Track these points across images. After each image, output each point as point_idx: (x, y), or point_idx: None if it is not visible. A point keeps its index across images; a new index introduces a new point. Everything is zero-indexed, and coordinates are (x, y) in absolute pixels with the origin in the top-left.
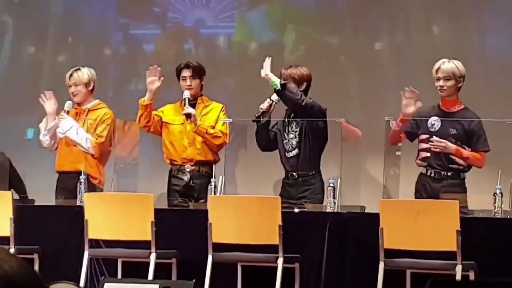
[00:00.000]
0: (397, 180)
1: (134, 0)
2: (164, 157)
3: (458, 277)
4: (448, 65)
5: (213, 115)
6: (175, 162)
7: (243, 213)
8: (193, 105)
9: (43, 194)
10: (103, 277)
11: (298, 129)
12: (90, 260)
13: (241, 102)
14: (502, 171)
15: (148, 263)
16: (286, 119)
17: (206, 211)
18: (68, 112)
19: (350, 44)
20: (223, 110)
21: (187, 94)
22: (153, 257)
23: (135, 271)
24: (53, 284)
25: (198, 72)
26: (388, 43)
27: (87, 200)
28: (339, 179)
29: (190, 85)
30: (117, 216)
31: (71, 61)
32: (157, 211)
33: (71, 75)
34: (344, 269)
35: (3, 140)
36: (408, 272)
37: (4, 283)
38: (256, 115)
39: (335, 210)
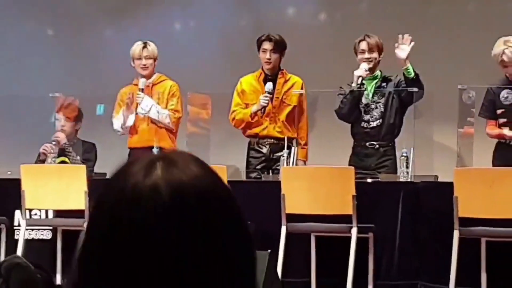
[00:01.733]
0: (471, 148)
1: None
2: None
3: None
4: (511, 51)
5: (296, 89)
6: (255, 136)
7: (316, 184)
8: (273, 80)
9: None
10: None
11: (383, 100)
12: None
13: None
14: None
15: None
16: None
17: (279, 183)
18: (142, 90)
19: (432, 9)
20: (304, 86)
21: (270, 85)
22: None
23: None
24: None
25: (280, 46)
26: (456, 9)
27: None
28: (412, 149)
29: (269, 59)
30: None
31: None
32: (230, 183)
33: (144, 47)
34: (418, 239)
35: None
36: (483, 240)
37: (193, 194)
38: (357, 83)
39: (409, 180)
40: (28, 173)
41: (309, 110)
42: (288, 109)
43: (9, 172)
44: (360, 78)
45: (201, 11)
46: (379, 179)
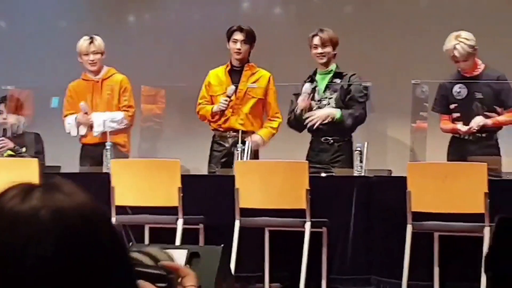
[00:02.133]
0: (424, 143)
1: None
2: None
3: (487, 239)
4: (462, 47)
5: (262, 84)
6: (219, 129)
7: (270, 178)
8: (239, 72)
9: (67, 162)
10: (130, 243)
11: (335, 95)
12: (117, 226)
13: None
14: None
15: (175, 229)
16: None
17: (233, 177)
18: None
19: (386, 4)
20: (271, 80)
21: (231, 90)
22: (180, 222)
23: (162, 237)
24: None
25: (250, 37)
26: (409, 4)
27: (114, 167)
28: (366, 143)
29: (239, 49)
30: (143, 182)
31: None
32: (184, 177)
33: (91, 42)
34: (371, 233)
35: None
36: (436, 234)
37: (78, 215)
38: (297, 112)
39: (362, 174)
40: None
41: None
42: (252, 101)
43: None
44: (302, 110)
45: (155, 5)
46: (333, 174)
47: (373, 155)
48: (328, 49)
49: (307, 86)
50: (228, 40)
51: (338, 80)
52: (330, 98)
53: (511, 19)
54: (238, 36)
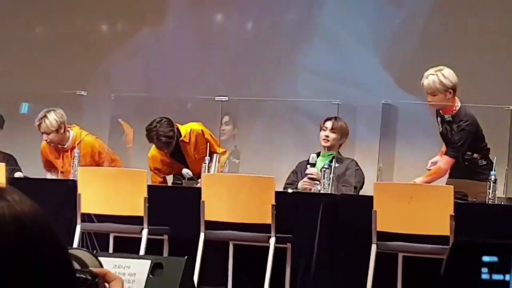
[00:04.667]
0: (392, 162)
1: None
2: None
3: None
4: (433, 80)
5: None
6: None
7: (236, 192)
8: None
9: (30, 168)
10: (94, 251)
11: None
12: (82, 234)
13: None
14: (497, 158)
15: (140, 239)
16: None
17: (199, 189)
18: None
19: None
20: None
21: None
22: (145, 233)
23: (127, 246)
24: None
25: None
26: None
27: (81, 174)
28: (334, 161)
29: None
30: (110, 191)
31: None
32: (150, 188)
33: (39, 125)
34: (335, 251)
35: None
36: (400, 255)
37: (14, 223)
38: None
39: (329, 192)
40: None
41: (235, 117)
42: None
43: None
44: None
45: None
46: (299, 190)
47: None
48: (335, 135)
49: (313, 170)
50: None
51: (336, 164)
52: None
53: None
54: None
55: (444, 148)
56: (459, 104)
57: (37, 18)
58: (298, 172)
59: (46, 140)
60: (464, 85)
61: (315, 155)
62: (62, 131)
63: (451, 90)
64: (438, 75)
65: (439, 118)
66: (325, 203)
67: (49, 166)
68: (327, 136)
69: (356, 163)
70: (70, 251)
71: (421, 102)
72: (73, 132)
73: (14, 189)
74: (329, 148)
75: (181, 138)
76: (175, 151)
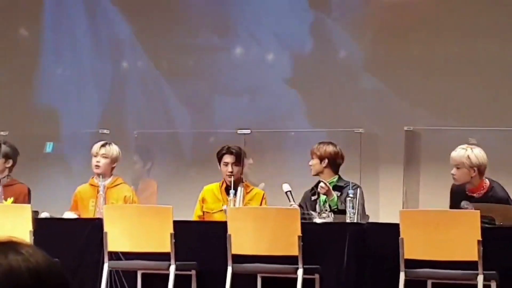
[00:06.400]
0: (417, 190)
1: None
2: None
3: (480, 287)
4: (462, 154)
5: (256, 203)
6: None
7: (262, 224)
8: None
9: (55, 207)
10: None
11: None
12: (110, 272)
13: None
14: None
15: (167, 275)
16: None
17: (225, 223)
18: None
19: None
20: (265, 198)
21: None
22: (172, 269)
23: (155, 283)
24: None
25: (240, 157)
26: (410, 52)
27: (107, 212)
28: (358, 190)
29: (231, 172)
30: (136, 228)
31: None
32: (176, 223)
33: (102, 146)
34: (364, 281)
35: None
36: (429, 282)
37: (30, 276)
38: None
39: (355, 221)
40: None
41: (256, 150)
42: None
43: None
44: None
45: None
46: (326, 220)
47: (366, 202)
48: (314, 161)
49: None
50: (219, 162)
51: (337, 193)
52: (330, 212)
53: None
54: (229, 159)
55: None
56: (486, 184)
57: (56, 60)
58: (303, 205)
59: (96, 165)
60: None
61: (240, 188)
62: (114, 165)
63: (475, 169)
64: (468, 151)
65: (464, 204)
66: (352, 232)
67: (75, 208)
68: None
69: (356, 185)
70: None
71: (444, 127)
72: (115, 177)
73: (27, 242)
74: (320, 175)
75: None
76: None
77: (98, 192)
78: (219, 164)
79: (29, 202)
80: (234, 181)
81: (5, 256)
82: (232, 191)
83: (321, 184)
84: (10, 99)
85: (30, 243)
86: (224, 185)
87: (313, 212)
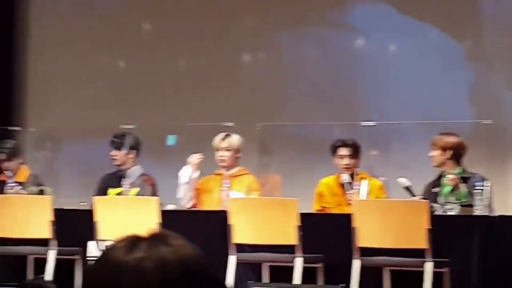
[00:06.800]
0: None
1: None
2: None
3: None
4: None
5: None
6: None
7: (390, 217)
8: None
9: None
10: (248, 281)
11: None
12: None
13: None
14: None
15: (292, 268)
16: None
17: (350, 215)
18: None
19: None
20: (383, 189)
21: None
22: (299, 261)
23: (280, 275)
24: None
25: (357, 150)
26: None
27: (231, 205)
28: (487, 182)
29: (348, 165)
30: (261, 220)
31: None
32: (302, 216)
33: (223, 139)
34: (494, 275)
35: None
36: None
37: (179, 267)
38: None
39: (484, 214)
40: (101, 204)
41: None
42: None
43: (82, 203)
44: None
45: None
46: (450, 213)
47: (495, 194)
48: (437, 152)
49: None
50: (333, 154)
51: (463, 185)
52: (454, 203)
53: None
54: (344, 151)
55: None
56: None
57: (180, 51)
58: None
59: (220, 160)
60: None
61: (348, 176)
62: (238, 154)
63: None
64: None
65: None
66: (481, 225)
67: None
68: (430, 156)
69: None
70: None
71: None
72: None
73: (175, 234)
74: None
75: None
76: None
77: (222, 183)
78: (334, 157)
79: (156, 195)
80: (350, 173)
81: (156, 247)
82: (346, 183)
83: (451, 176)
84: (135, 92)
85: (177, 235)
86: (340, 178)
87: (434, 204)
